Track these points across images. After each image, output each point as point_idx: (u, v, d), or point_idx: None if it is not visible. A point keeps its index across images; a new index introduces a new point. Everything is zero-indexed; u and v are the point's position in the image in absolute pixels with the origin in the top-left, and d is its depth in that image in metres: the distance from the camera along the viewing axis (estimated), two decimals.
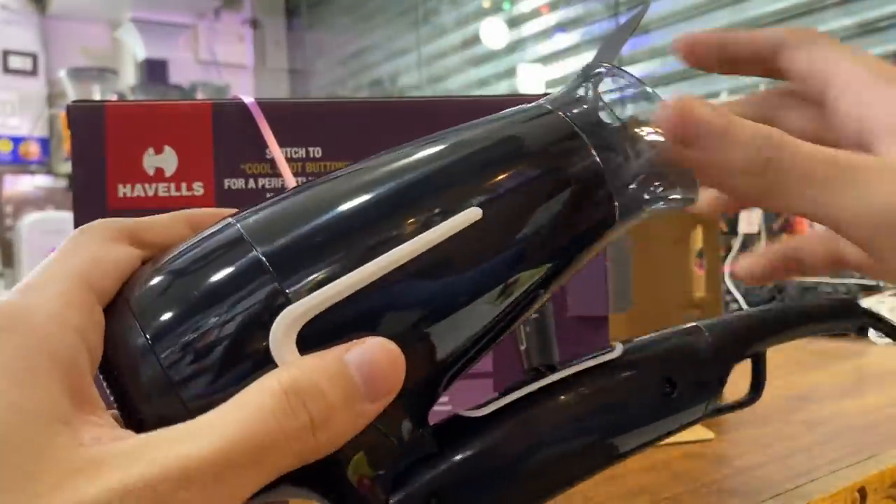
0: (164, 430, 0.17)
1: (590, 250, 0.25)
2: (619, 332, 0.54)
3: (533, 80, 2.71)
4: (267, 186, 0.39)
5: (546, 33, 2.68)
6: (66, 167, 3.27)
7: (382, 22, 3.50)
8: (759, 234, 1.18)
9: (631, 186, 0.24)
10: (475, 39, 2.96)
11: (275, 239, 0.21)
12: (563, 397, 0.25)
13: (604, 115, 0.24)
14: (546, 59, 2.67)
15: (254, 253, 0.20)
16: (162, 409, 0.19)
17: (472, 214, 0.22)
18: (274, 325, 0.19)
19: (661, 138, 0.24)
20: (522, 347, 0.42)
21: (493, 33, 2.88)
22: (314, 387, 0.19)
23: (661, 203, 0.25)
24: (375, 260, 0.20)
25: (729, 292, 0.98)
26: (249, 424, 0.18)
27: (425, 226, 0.21)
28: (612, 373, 0.26)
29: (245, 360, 0.19)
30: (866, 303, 0.87)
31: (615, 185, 0.24)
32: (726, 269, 1.06)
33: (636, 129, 0.24)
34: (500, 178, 0.23)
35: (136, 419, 0.20)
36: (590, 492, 0.39)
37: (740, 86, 1.85)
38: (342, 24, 3.78)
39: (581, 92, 0.25)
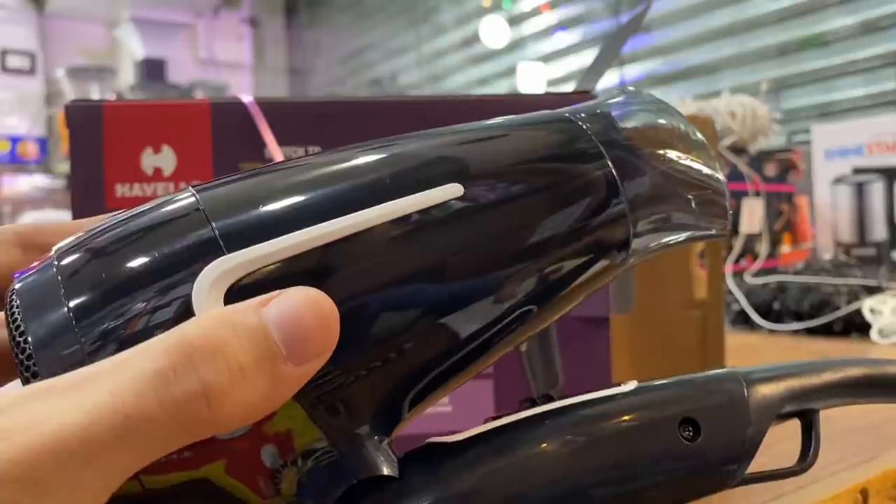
0: (43, 386, 0.15)
1: (594, 275, 0.21)
2: (621, 332, 0.54)
3: (533, 78, 2.70)
4: None
5: (546, 32, 2.68)
6: (64, 167, 3.27)
7: (382, 20, 3.50)
8: (760, 234, 1.18)
9: (650, 207, 0.21)
10: (475, 38, 2.95)
11: (223, 196, 0.19)
12: (554, 426, 0.21)
13: (626, 131, 0.22)
14: (546, 58, 2.67)
15: (193, 201, 0.18)
16: (60, 354, 0.17)
17: (451, 190, 0.19)
18: (199, 277, 0.17)
19: (685, 159, 0.22)
20: (523, 349, 0.41)
21: (494, 32, 2.88)
22: (210, 343, 0.15)
23: (687, 231, 0.23)
24: (331, 221, 0.18)
25: (730, 293, 0.98)
26: (117, 392, 0.14)
27: (395, 193, 0.19)
28: (620, 404, 0.22)
29: (161, 309, 0.17)
30: (869, 303, 0.87)
31: (632, 203, 0.21)
32: (728, 269, 1.06)
33: (660, 149, 0.22)
34: (494, 164, 0.20)
35: (32, 369, 0.17)
36: None
37: (741, 85, 1.85)
38: (341, 22, 3.78)
39: (605, 107, 0.23)
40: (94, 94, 3.26)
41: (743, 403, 0.23)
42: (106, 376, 0.15)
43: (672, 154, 0.22)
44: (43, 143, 3.71)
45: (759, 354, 0.81)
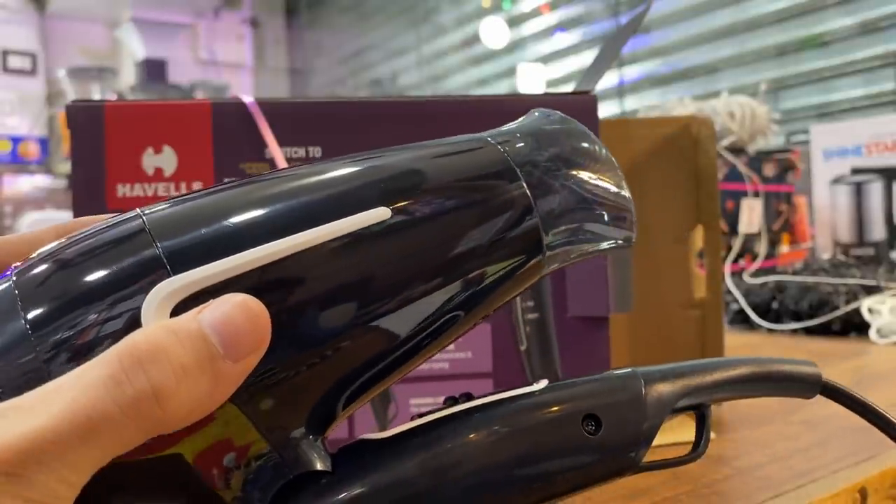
0: (13, 402, 0.17)
1: (516, 281, 0.24)
2: (620, 332, 0.54)
3: (533, 79, 2.71)
4: None
5: (546, 33, 2.68)
6: (66, 167, 3.27)
7: (382, 21, 3.50)
8: (759, 234, 1.18)
9: (561, 221, 0.24)
10: (475, 39, 2.95)
11: (168, 219, 0.20)
12: (471, 423, 0.24)
13: (539, 152, 0.24)
14: (546, 59, 2.67)
15: (140, 223, 0.20)
16: (17, 362, 0.18)
17: (379, 214, 0.21)
18: (148, 296, 0.18)
19: (595, 178, 0.25)
20: (522, 348, 0.41)
21: (493, 33, 2.88)
22: (155, 348, 0.17)
23: (597, 242, 0.25)
24: (268, 244, 0.20)
25: (729, 292, 0.98)
26: (77, 398, 0.16)
27: (327, 219, 0.21)
28: (530, 403, 0.25)
29: (111, 321, 0.18)
30: (868, 303, 0.87)
31: (544, 219, 0.23)
32: (727, 269, 1.06)
33: (571, 169, 0.24)
34: (418, 188, 0.22)
35: None
36: (589, 492, 0.39)
37: (740, 85, 1.85)
38: (342, 23, 3.78)
39: (521, 130, 0.25)
40: (95, 94, 3.27)
41: (640, 400, 0.26)
42: (67, 387, 0.17)
43: (583, 174, 0.25)
44: (44, 144, 3.71)
45: (758, 354, 0.81)
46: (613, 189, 0.25)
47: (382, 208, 0.21)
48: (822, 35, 1.78)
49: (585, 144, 0.25)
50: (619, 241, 0.26)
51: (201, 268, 0.19)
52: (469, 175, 0.23)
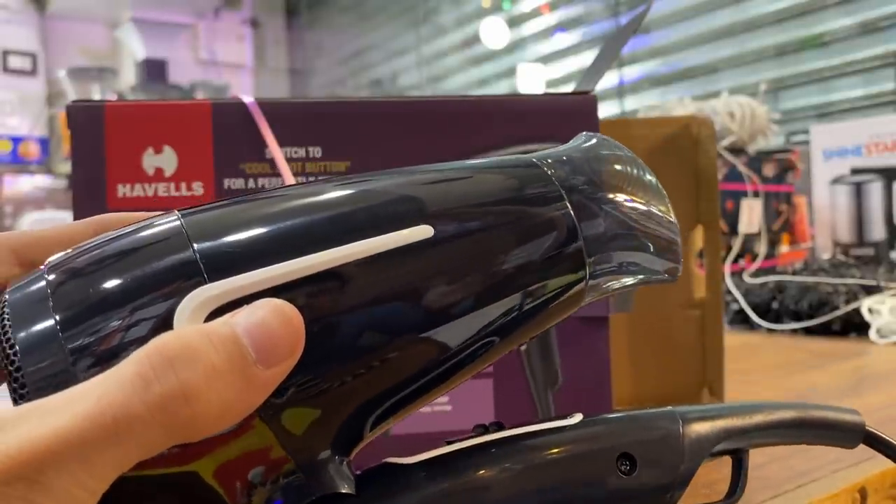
0: (36, 403, 0.16)
1: (555, 309, 0.23)
2: (620, 332, 0.54)
3: (533, 79, 2.71)
4: (267, 186, 0.39)
5: (546, 33, 2.68)
6: (66, 167, 3.27)
7: (382, 21, 3.50)
8: (759, 234, 1.18)
9: (605, 247, 0.23)
10: (475, 39, 2.96)
11: (207, 223, 0.20)
12: (500, 455, 0.23)
13: (587, 176, 0.24)
14: (546, 59, 2.67)
15: (178, 225, 0.20)
16: (45, 361, 0.18)
17: (421, 231, 0.21)
18: (183, 302, 0.18)
19: (642, 205, 0.24)
20: (522, 348, 0.41)
21: (494, 33, 2.88)
22: (186, 348, 0.16)
23: (641, 274, 0.24)
24: (308, 256, 0.19)
25: (729, 292, 0.98)
26: (103, 397, 0.16)
27: (368, 233, 0.20)
28: (564, 437, 0.24)
29: (143, 323, 0.18)
30: (868, 303, 0.87)
31: (588, 244, 0.23)
32: (727, 269, 1.06)
33: (618, 195, 0.24)
34: (462, 206, 0.22)
35: (22, 391, 0.18)
36: None
37: (740, 85, 1.85)
38: (342, 23, 3.78)
39: (570, 153, 0.25)
40: (96, 94, 3.27)
41: (678, 441, 0.25)
42: (93, 387, 0.16)
43: (629, 200, 0.24)
44: (44, 144, 3.71)
45: (758, 354, 0.81)
46: (660, 217, 0.24)
47: (425, 226, 0.21)
48: (822, 35, 1.78)
49: (632, 170, 0.25)
50: (663, 275, 0.25)
51: (238, 276, 0.18)
52: (514, 195, 0.23)
